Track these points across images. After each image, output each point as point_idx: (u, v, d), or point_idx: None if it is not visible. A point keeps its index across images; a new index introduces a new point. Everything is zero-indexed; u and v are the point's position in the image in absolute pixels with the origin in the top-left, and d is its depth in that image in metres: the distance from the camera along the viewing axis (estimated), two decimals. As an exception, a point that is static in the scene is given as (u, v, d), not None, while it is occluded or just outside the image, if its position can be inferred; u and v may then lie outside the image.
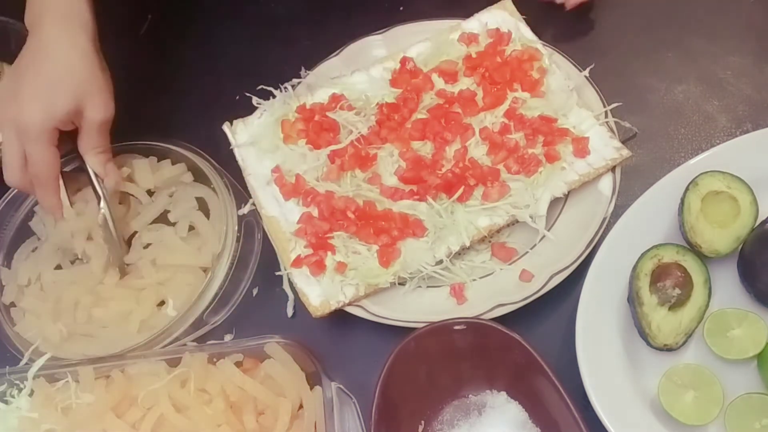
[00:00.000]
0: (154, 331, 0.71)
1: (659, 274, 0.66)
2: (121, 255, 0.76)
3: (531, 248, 0.72)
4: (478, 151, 0.74)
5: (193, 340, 0.72)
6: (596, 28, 0.83)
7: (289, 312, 0.75)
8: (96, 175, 0.76)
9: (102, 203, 0.75)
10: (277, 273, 0.74)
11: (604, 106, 0.76)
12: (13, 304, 0.77)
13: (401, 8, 0.91)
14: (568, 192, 0.72)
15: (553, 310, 0.71)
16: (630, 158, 0.73)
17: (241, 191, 0.78)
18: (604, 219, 0.70)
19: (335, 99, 0.79)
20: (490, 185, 0.72)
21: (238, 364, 0.67)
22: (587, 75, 0.78)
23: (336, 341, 0.73)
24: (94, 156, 0.75)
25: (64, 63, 0.72)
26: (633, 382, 0.64)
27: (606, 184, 0.72)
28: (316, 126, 0.78)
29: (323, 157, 0.76)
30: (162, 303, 0.75)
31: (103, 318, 0.74)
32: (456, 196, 0.71)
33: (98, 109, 0.74)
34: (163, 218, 0.79)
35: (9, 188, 0.81)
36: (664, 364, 0.64)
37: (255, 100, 0.82)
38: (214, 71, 0.93)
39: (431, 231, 0.71)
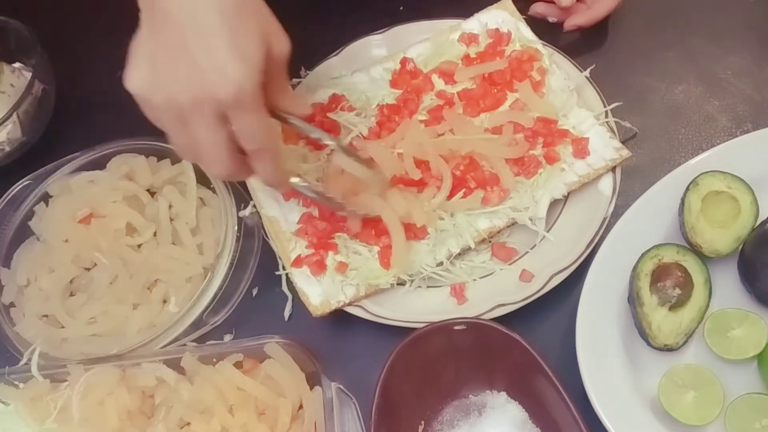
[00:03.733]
0: (155, 331, 0.71)
1: (659, 274, 0.66)
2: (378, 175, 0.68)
3: (531, 248, 0.72)
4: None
5: (192, 341, 0.72)
6: (596, 28, 0.83)
7: (287, 312, 0.75)
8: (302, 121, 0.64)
9: (326, 139, 0.66)
10: (277, 273, 0.74)
11: (605, 106, 0.76)
12: (12, 305, 0.77)
13: (401, 8, 0.91)
14: (568, 192, 0.72)
15: (553, 310, 0.71)
16: (630, 158, 0.73)
17: (240, 191, 0.78)
18: (605, 219, 0.70)
19: (336, 99, 0.79)
20: (490, 190, 0.72)
21: (238, 365, 0.67)
22: (587, 75, 0.78)
23: (336, 341, 0.73)
24: (286, 100, 0.62)
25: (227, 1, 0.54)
26: (633, 382, 0.64)
27: (606, 184, 0.72)
28: (317, 126, 0.78)
29: (324, 157, 0.76)
30: (163, 301, 0.75)
31: (104, 317, 0.74)
32: (457, 197, 0.71)
33: (283, 40, 0.59)
34: (163, 218, 0.79)
35: (8, 188, 0.81)
36: (665, 364, 0.64)
37: (255, 100, 0.82)
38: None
39: (432, 233, 0.71)
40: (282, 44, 0.58)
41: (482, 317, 0.67)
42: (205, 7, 0.53)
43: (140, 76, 0.56)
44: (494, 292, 0.70)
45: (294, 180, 0.65)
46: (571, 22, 0.81)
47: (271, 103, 0.60)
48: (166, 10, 0.54)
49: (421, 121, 0.76)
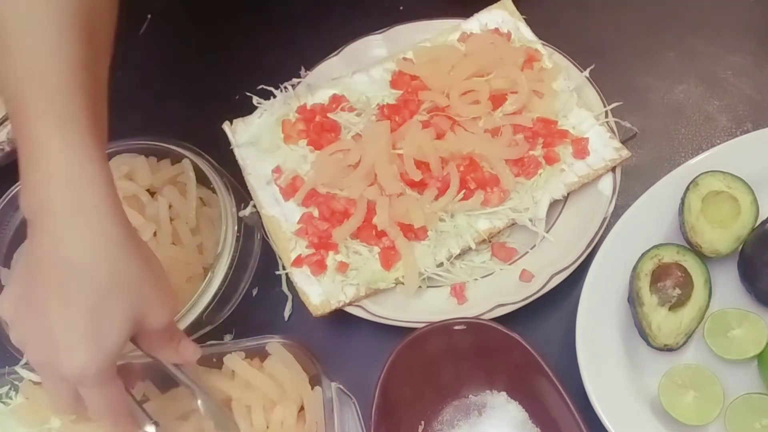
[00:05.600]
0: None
1: (659, 274, 0.66)
2: None
3: (531, 248, 0.72)
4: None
5: (192, 340, 0.72)
6: (596, 28, 0.83)
7: (287, 312, 0.75)
8: (176, 366, 0.61)
9: (198, 394, 0.62)
10: (277, 273, 0.74)
11: (604, 106, 0.76)
12: (12, 304, 0.77)
13: (401, 8, 0.91)
14: (568, 193, 0.72)
15: (553, 310, 0.71)
16: (630, 158, 0.73)
17: (241, 191, 0.78)
18: (605, 219, 0.70)
19: (336, 100, 0.79)
20: (490, 191, 0.72)
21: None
22: (587, 75, 0.78)
23: (336, 341, 0.73)
24: (166, 352, 0.59)
25: (97, 269, 0.51)
26: (633, 382, 0.64)
27: (606, 184, 0.72)
28: (317, 127, 0.78)
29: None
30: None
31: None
32: (457, 198, 0.71)
33: (161, 312, 0.55)
34: (163, 218, 0.79)
35: (8, 188, 0.81)
36: (665, 364, 0.64)
37: (255, 99, 0.82)
38: (214, 71, 0.93)
39: (432, 234, 0.71)
40: (158, 319, 0.55)
41: (482, 317, 0.67)
42: (73, 281, 0.51)
43: (7, 310, 0.55)
44: (494, 292, 0.70)
45: (148, 430, 0.60)
46: None
47: (143, 350, 0.59)
48: (40, 262, 0.52)
49: (421, 122, 0.76)
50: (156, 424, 0.60)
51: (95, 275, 0.51)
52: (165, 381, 0.65)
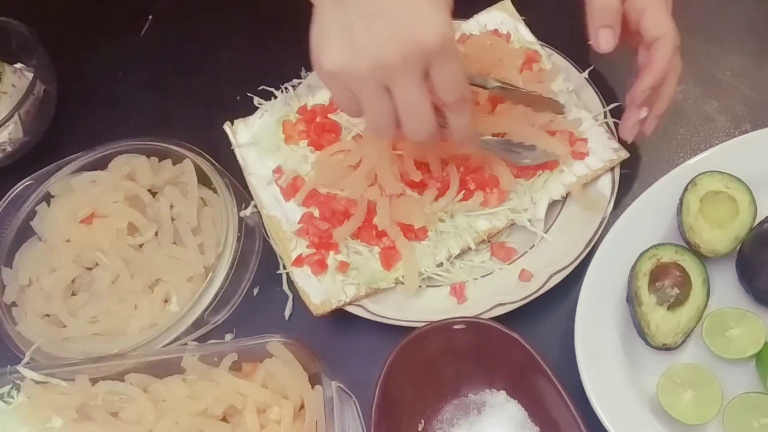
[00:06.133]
0: (156, 330, 0.71)
1: (658, 273, 0.66)
2: None
3: (530, 248, 0.72)
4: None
5: (193, 340, 0.73)
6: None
7: (288, 311, 0.75)
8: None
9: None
10: (278, 272, 0.75)
11: (604, 107, 0.76)
12: (14, 304, 0.77)
13: (401, 8, 0.91)
14: (567, 193, 0.73)
15: (553, 309, 0.71)
16: (628, 159, 0.73)
17: (241, 191, 0.78)
18: (603, 219, 0.70)
19: (336, 100, 0.80)
20: (489, 192, 0.72)
21: (237, 366, 0.67)
22: (587, 76, 0.78)
23: (336, 340, 0.73)
24: None
25: None
26: (632, 381, 0.64)
27: (605, 184, 0.73)
28: (318, 127, 0.78)
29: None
30: (165, 301, 0.75)
31: (105, 317, 0.75)
32: (457, 198, 0.72)
33: None
34: (164, 218, 0.79)
35: (10, 188, 0.81)
36: (663, 364, 0.64)
37: (256, 100, 0.82)
38: (215, 71, 0.93)
39: (432, 234, 0.71)
40: None
41: (482, 316, 0.67)
42: None
43: (340, 52, 0.55)
44: (494, 291, 0.70)
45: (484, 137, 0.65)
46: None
47: None
48: None
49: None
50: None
51: None
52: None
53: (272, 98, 0.82)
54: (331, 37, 0.56)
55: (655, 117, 0.70)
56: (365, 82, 0.56)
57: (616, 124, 0.75)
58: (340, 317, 0.72)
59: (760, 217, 0.67)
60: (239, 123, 0.81)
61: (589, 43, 0.69)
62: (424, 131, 0.58)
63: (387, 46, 0.53)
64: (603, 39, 0.68)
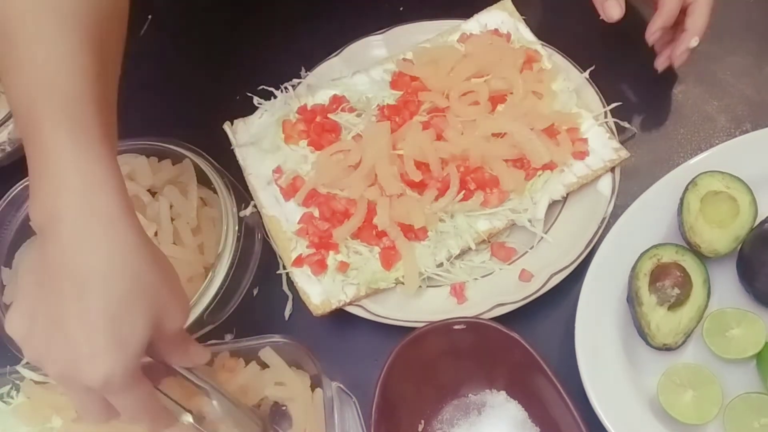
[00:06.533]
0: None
1: (658, 273, 0.66)
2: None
3: (530, 248, 0.72)
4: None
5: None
6: (596, 29, 0.83)
7: (287, 311, 0.75)
8: (187, 369, 0.60)
9: (212, 395, 0.61)
10: (278, 272, 0.75)
11: (604, 107, 0.76)
12: (14, 304, 0.77)
13: (401, 8, 0.92)
14: (567, 193, 0.73)
15: (553, 309, 0.71)
16: (629, 159, 0.73)
17: (241, 191, 0.78)
18: (604, 219, 0.70)
19: (336, 100, 0.80)
20: (490, 192, 0.72)
21: (221, 364, 0.67)
22: (587, 76, 0.78)
23: (336, 340, 0.73)
24: (178, 357, 0.58)
25: (115, 275, 0.51)
26: (632, 381, 0.64)
27: (605, 184, 0.73)
28: (318, 127, 0.78)
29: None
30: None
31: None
32: (457, 199, 0.72)
33: (177, 316, 0.55)
34: (164, 218, 0.79)
35: (10, 188, 0.81)
36: (663, 364, 0.64)
37: (256, 99, 0.82)
38: (214, 71, 0.93)
39: (432, 234, 0.71)
40: (174, 322, 0.55)
41: (482, 317, 0.67)
42: (91, 289, 0.50)
43: (19, 326, 0.53)
44: (494, 291, 0.70)
45: (186, 420, 0.60)
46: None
47: (156, 357, 0.57)
48: (54, 273, 0.51)
49: (421, 123, 0.76)
50: (190, 412, 0.60)
51: (114, 281, 0.50)
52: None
53: (272, 98, 0.82)
54: (20, 305, 0.53)
55: (685, 50, 0.75)
56: (35, 363, 0.54)
57: (616, 124, 0.75)
58: (340, 317, 0.72)
59: (760, 217, 0.67)
60: (239, 123, 0.81)
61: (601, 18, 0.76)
62: (93, 422, 0.56)
63: (51, 358, 0.52)
64: (609, 10, 0.75)
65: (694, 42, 0.75)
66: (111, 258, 0.51)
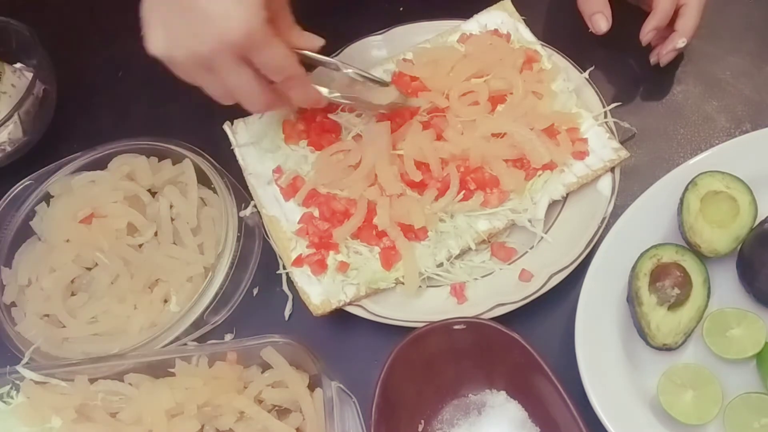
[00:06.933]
0: (155, 330, 0.71)
1: (658, 273, 0.66)
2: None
3: (530, 248, 0.72)
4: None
5: (193, 340, 0.72)
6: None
7: (287, 311, 0.75)
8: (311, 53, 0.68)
9: (341, 66, 0.71)
10: (278, 272, 0.75)
11: (604, 107, 0.76)
12: (14, 304, 0.77)
13: (401, 9, 0.92)
14: (567, 193, 0.73)
15: (553, 309, 0.71)
16: (629, 159, 0.73)
17: (241, 191, 0.78)
18: (604, 219, 0.70)
19: (336, 100, 0.80)
20: (490, 192, 0.72)
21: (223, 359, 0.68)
22: (587, 76, 0.78)
23: (336, 340, 0.73)
24: (295, 36, 0.66)
25: None
26: (632, 381, 0.64)
27: (605, 184, 0.73)
28: (318, 127, 0.78)
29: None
30: (164, 301, 0.75)
31: (105, 317, 0.75)
32: (457, 199, 0.72)
33: None
34: (164, 218, 0.79)
35: (10, 188, 0.81)
36: (664, 364, 0.64)
37: (256, 100, 0.82)
38: (215, 71, 0.93)
39: (432, 235, 0.71)
40: None
41: (482, 317, 0.67)
42: None
43: (159, 39, 0.60)
44: (494, 291, 0.70)
45: (331, 95, 0.70)
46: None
47: (288, 42, 0.63)
48: None
49: (420, 123, 0.76)
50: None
51: None
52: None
53: (272, 98, 0.82)
54: (150, 23, 0.60)
55: (672, 50, 0.78)
56: (186, 67, 0.60)
57: (616, 124, 0.75)
58: (340, 317, 0.72)
59: (760, 217, 0.67)
60: (239, 123, 0.81)
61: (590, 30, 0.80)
62: (255, 106, 0.65)
63: (195, 40, 0.58)
64: (597, 23, 0.79)
65: (681, 43, 0.77)
66: None
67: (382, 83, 0.74)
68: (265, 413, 0.65)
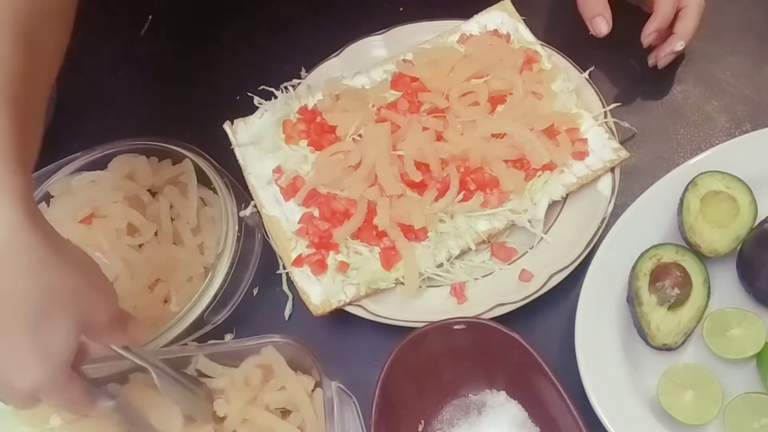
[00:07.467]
0: (155, 330, 0.71)
1: (658, 273, 0.66)
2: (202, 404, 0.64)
3: (530, 248, 0.72)
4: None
5: (193, 340, 0.72)
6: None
7: (287, 311, 0.75)
8: (125, 348, 0.60)
9: (152, 370, 0.61)
10: (278, 272, 0.75)
11: (604, 107, 0.76)
12: (14, 304, 0.77)
13: (401, 9, 0.92)
14: (567, 193, 0.73)
15: (553, 309, 0.71)
16: (629, 159, 0.73)
17: (241, 191, 0.78)
18: (604, 219, 0.70)
19: (337, 100, 0.80)
20: (489, 192, 0.72)
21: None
22: (587, 77, 0.78)
23: (336, 340, 0.73)
24: (115, 338, 0.59)
25: (25, 289, 0.50)
26: (632, 381, 0.64)
27: (605, 184, 0.73)
28: (318, 127, 0.78)
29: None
30: (164, 301, 0.75)
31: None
32: (457, 199, 0.72)
33: (103, 309, 0.55)
34: (164, 218, 0.79)
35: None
36: (664, 364, 0.64)
37: (256, 99, 0.82)
38: (214, 71, 0.93)
39: (432, 235, 0.71)
40: (102, 314, 0.54)
41: (482, 317, 0.67)
42: (7, 308, 0.50)
43: None
44: (494, 291, 0.70)
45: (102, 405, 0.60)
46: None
47: (93, 339, 0.58)
48: None
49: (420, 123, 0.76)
50: (113, 397, 0.61)
51: (25, 296, 0.50)
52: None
53: (272, 98, 0.82)
54: None
55: (670, 53, 0.79)
56: None
57: (616, 124, 0.75)
58: (340, 317, 0.72)
59: (760, 217, 0.67)
60: (239, 123, 0.81)
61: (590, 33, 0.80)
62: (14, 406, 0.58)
63: None
64: (597, 26, 0.79)
65: (679, 46, 0.78)
66: (18, 272, 0.49)
67: (196, 383, 0.64)
68: (271, 415, 0.65)
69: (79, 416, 0.63)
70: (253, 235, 0.77)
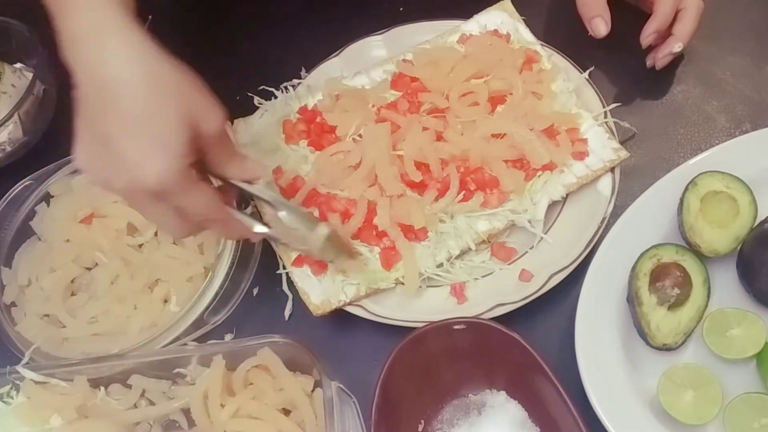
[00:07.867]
0: (155, 330, 0.71)
1: (658, 273, 0.66)
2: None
3: (530, 248, 0.72)
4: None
5: (193, 340, 0.72)
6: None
7: (287, 311, 0.75)
8: (248, 183, 0.63)
9: (278, 206, 0.64)
10: (278, 272, 0.75)
11: (604, 107, 0.76)
12: (14, 304, 0.77)
13: (401, 9, 0.92)
14: (567, 193, 0.73)
15: (553, 309, 0.71)
16: (629, 159, 0.73)
17: (241, 191, 0.78)
18: (604, 219, 0.70)
19: (337, 100, 0.80)
20: (489, 192, 0.72)
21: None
22: (587, 77, 0.78)
23: (336, 340, 0.73)
24: (234, 169, 0.62)
25: (139, 78, 0.54)
26: (632, 381, 0.64)
27: (605, 184, 0.73)
28: (318, 127, 0.78)
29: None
30: (165, 301, 0.75)
31: (105, 317, 0.75)
32: (457, 199, 0.72)
33: (211, 116, 0.57)
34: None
35: (10, 188, 0.81)
36: (664, 364, 0.64)
37: (256, 99, 0.82)
38: (215, 72, 0.92)
39: (432, 235, 0.71)
40: (211, 123, 0.57)
41: (482, 317, 0.67)
42: (120, 96, 0.54)
43: (83, 158, 0.58)
44: (494, 291, 0.70)
45: (260, 230, 0.65)
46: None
47: (213, 172, 0.62)
48: (91, 95, 0.55)
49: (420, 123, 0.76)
50: (268, 226, 0.65)
51: (139, 84, 0.54)
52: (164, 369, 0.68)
53: (272, 98, 0.82)
54: (79, 139, 0.57)
55: (668, 54, 0.79)
56: (104, 189, 0.58)
57: (616, 124, 0.76)
58: (340, 317, 0.72)
59: (760, 217, 0.67)
60: (239, 122, 0.81)
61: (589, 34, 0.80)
62: (176, 236, 0.66)
63: (112, 174, 0.56)
64: (596, 27, 0.79)
65: (677, 47, 0.78)
66: (131, 63, 0.54)
67: (315, 220, 0.68)
68: (277, 413, 0.65)
69: (82, 416, 0.65)
70: (253, 235, 0.77)
